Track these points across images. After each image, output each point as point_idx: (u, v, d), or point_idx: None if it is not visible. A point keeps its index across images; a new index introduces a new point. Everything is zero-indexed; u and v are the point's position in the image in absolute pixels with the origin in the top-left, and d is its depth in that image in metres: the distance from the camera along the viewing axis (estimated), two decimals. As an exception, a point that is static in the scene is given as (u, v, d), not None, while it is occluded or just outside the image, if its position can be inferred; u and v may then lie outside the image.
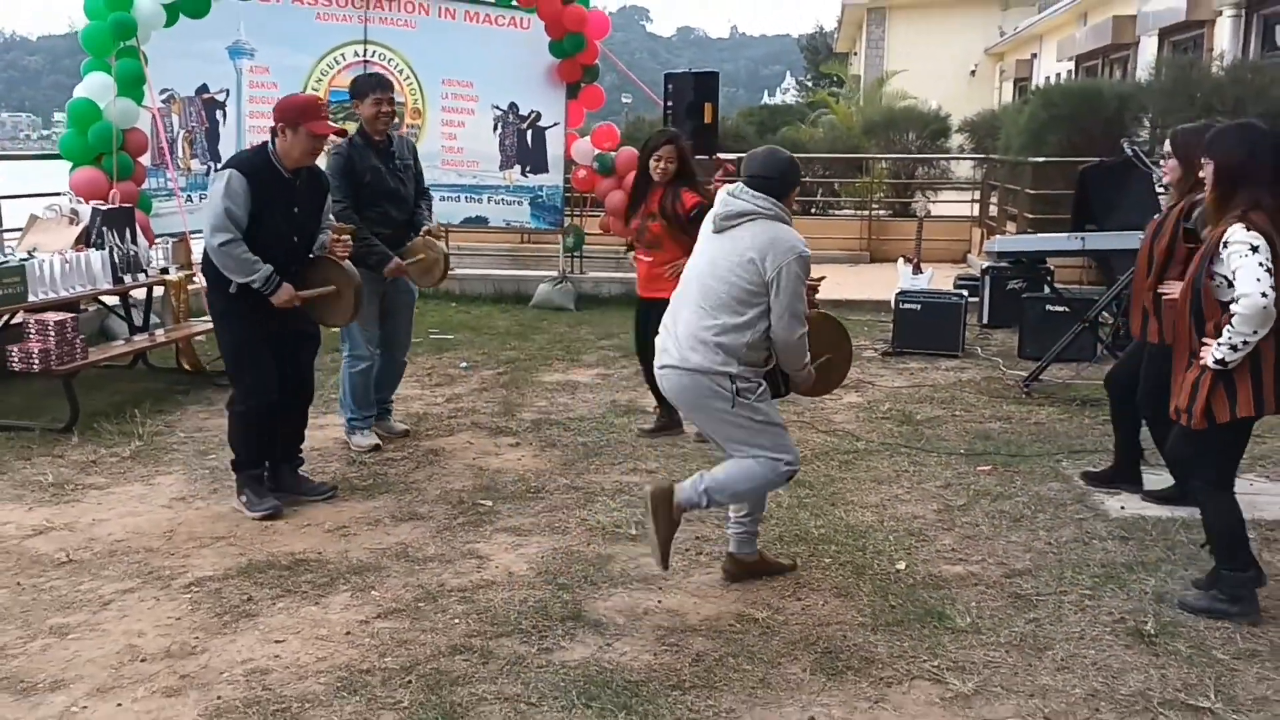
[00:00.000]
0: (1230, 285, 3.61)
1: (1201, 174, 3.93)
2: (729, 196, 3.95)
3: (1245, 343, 3.57)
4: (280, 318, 4.85)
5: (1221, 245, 3.64)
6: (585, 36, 10.11)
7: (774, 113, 22.32)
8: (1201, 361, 3.69)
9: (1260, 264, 3.53)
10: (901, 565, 4.32)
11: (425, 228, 5.87)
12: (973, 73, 28.55)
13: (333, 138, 5.23)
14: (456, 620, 3.84)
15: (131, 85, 8.08)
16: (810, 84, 40.97)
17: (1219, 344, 3.62)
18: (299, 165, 4.81)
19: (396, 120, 5.90)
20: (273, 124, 4.83)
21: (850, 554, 4.43)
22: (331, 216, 5.17)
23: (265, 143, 4.88)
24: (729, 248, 3.89)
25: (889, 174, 15.28)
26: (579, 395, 7.16)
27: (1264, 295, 3.51)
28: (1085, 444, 5.98)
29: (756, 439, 3.92)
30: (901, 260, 10.28)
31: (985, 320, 9.49)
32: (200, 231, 9.16)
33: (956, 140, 16.12)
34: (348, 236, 5.11)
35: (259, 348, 4.88)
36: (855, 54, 33.42)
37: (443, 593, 4.07)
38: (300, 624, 3.83)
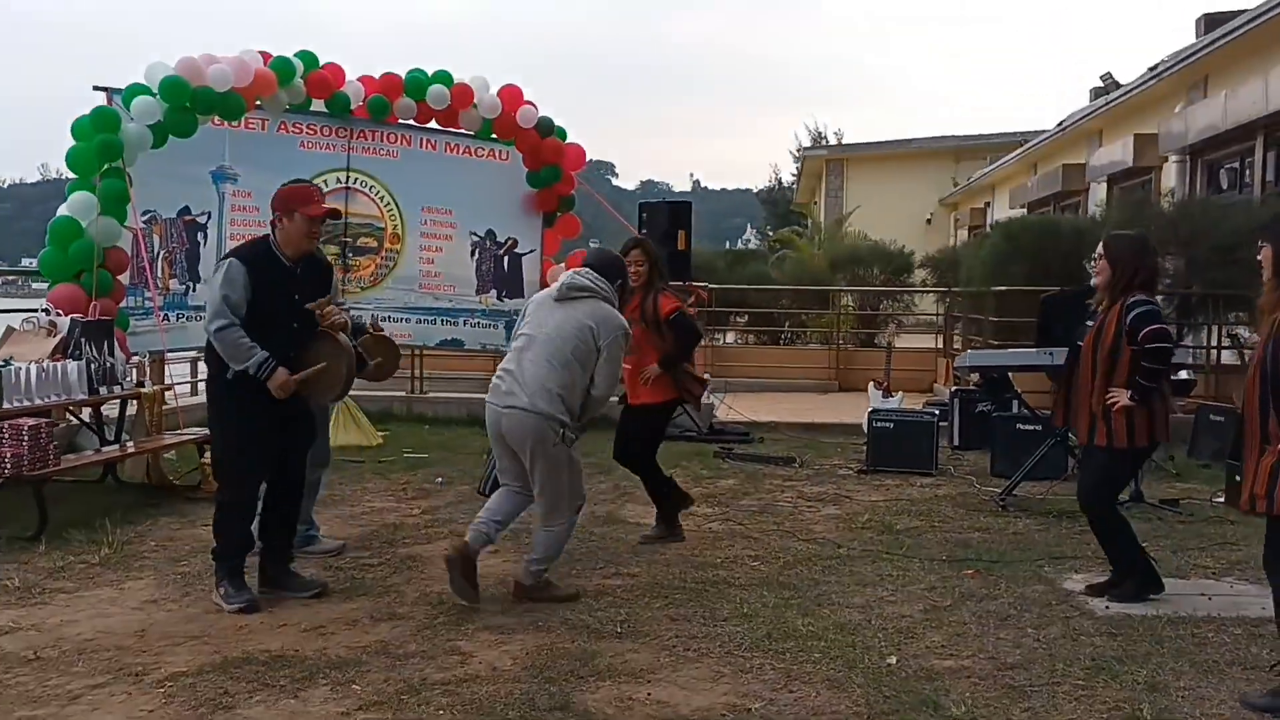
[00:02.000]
0: None
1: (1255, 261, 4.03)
2: (575, 275, 5.02)
3: None
4: (280, 408, 4.83)
5: None
6: (562, 168, 10.42)
7: (739, 255, 22.84)
8: None
9: None
10: (893, 660, 4.26)
11: (371, 323, 5.73)
12: (928, 221, 29.56)
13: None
14: (441, 711, 3.73)
15: (115, 205, 8.17)
16: (770, 231, 42.12)
17: None
18: (300, 251, 4.89)
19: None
20: (272, 216, 4.94)
21: (840, 650, 4.37)
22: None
23: (267, 234, 4.97)
24: (571, 315, 4.89)
25: (855, 307, 15.63)
26: (557, 508, 7.09)
27: None
28: (1065, 550, 6.00)
29: (561, 482, 4.92)
30: (872, 384, 10.45)
31: (956, 442, 9.59)
32: (176, 350, 9.27)
33: (919, 275, 16.58)
34: (333, 308, 5.10)
35: (254, 437, 4.86)
36: (815, 203, 34.52)
37: (425, 686, 3.96)
38: (279, 716, 3.70)
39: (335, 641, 4.44)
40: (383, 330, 5.81)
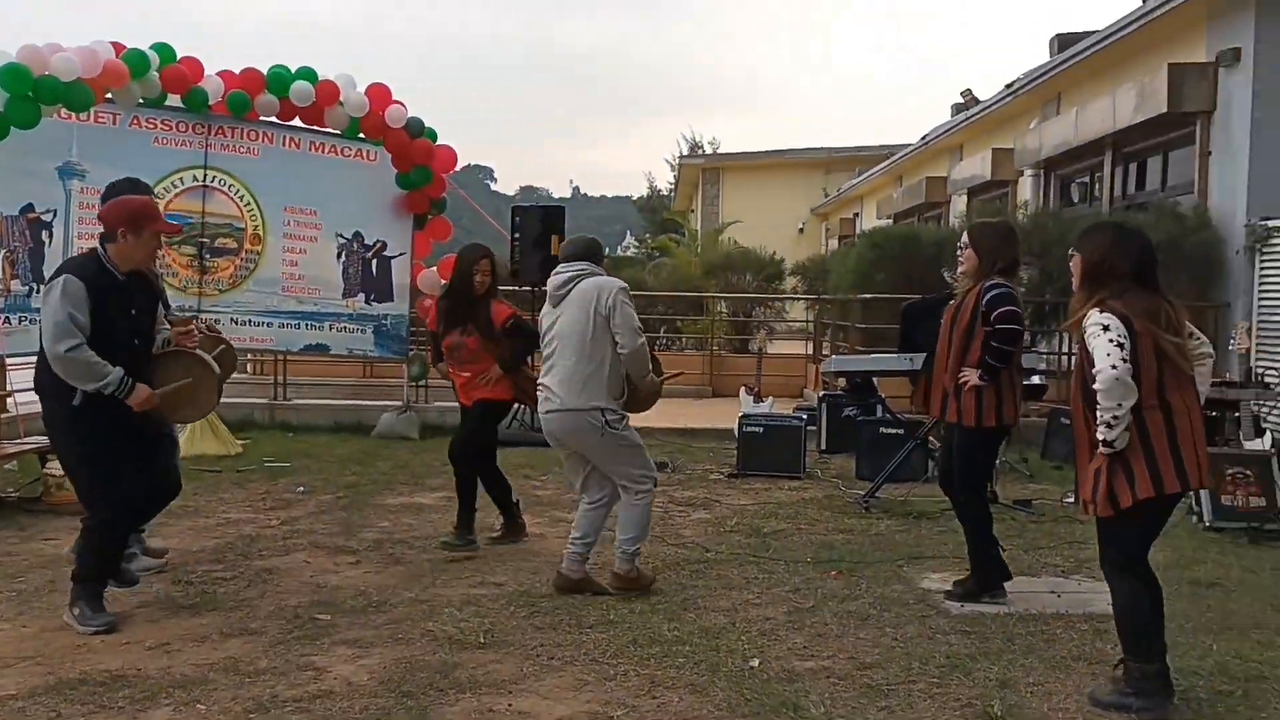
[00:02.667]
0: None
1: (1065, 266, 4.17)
2: (554, 277, 5.10)
3: (1115, 417, 3.66)
4: (133, 422, 4.60)
5: (1083, 332, 3.80)
6: (433, 170, 10.23)
7: (616, 261, 22.88)
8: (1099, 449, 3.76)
9: (1111, 340, 3.68)
10: (755, 662, 4.28)
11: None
12: (801, 230, 30.19)
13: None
14: (292, 730, 3.59)
15: (-51, 199, 7.70)
16: (649, 238, 42.38)
17: (1097, 426, 3.72)
18: (138, 268, 4.68)
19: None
20: (104, 230, 4.69)
21: (704, 654, 4.36)
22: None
23: (94, 249, 4.71)
24: (571, 306, 5.02)
25: (728, 314, 15.80)
26: (424, 516, 6.96)
27: (1114, 368, 3.63)
28: (924, 551, 6.15)
29: (626, 457, 5.10)
30: (744, 389, 10.57)
31: (823, 446, 9.75)
32: (18, 355, 8.75)
33: (790, 282, 16.87)
34: (193, 326, 4.94)
35: (115, 458, 4.60)
36: (692, 211, 34.89)
37: (275, 704, 3.80)
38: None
39: (181, 659, 4.23)
40: (217, 331, 5.63)
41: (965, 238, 5.24)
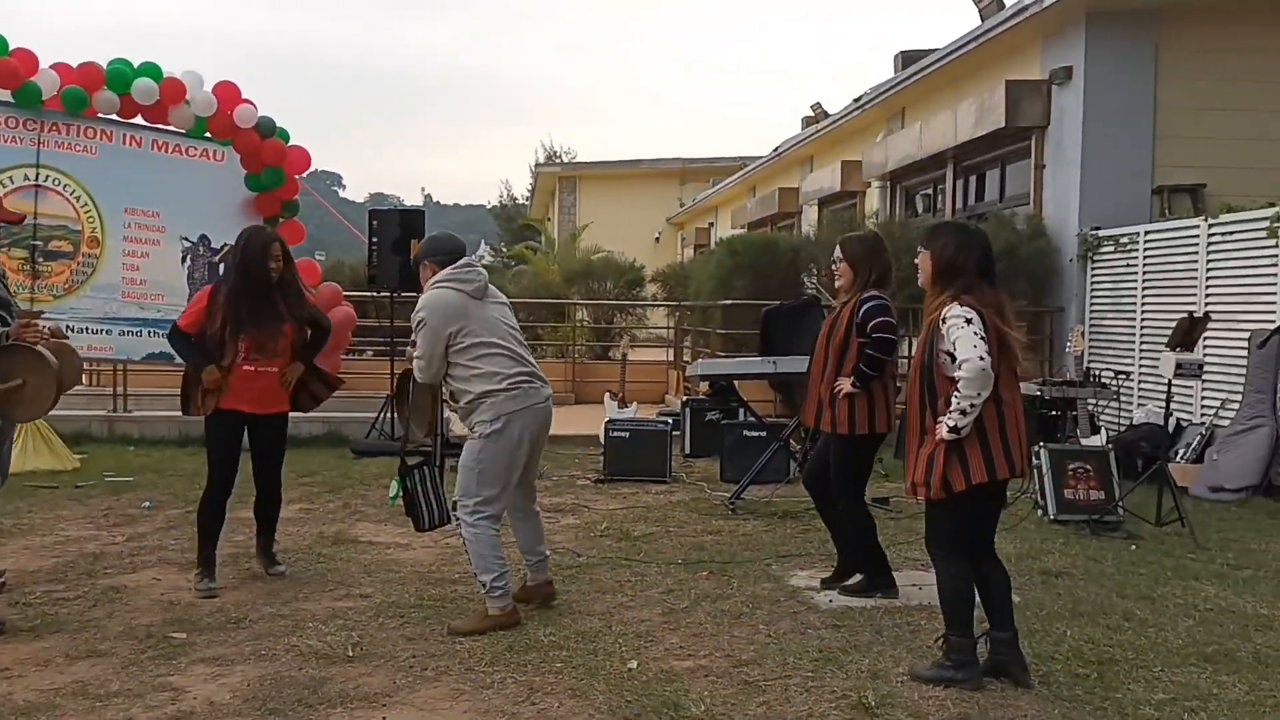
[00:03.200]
0: (954, 359, 3.91)
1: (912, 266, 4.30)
2: (473, 270, 4.93)
3: (973, 405, 3.86)
4: None
5: (941, 323, 3.96)
6: (284, 171, 9.89)
7: (494, 270, 22.61)
8: (938, 435, 3.93)
9: (975, 332, 3.88)
10: (634, 664, 4.26)
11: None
12: (657, 239, 30.49)
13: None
14: (149, 755, 3.38)
15: None
16: (505, 247, 42.07)
17: (950, 412, 3.89)
18: None
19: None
20: None
21: (582, 658, 4.33)
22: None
23: None
24: (502, 305, 5.02)
25: (590, 320, 15.81)
26: (281, 529, 6.60)
27: (982, 359, 3.83)
28: (790, 549, 6.26)
29: None
30: (608, 395, 10.57)
31: (688, 451, 9.85)
32: None
33: (650, 289, 16.99)
34: (39, 324, 4.65)
35: None
36: (549, 219, 34.83)
37: (132, 729, 3.58)
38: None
39: (23, 685, 3.95)
40: (62, 336, 5.21)
41: (838, 251, 5.31)
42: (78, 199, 9.21)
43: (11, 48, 8.55)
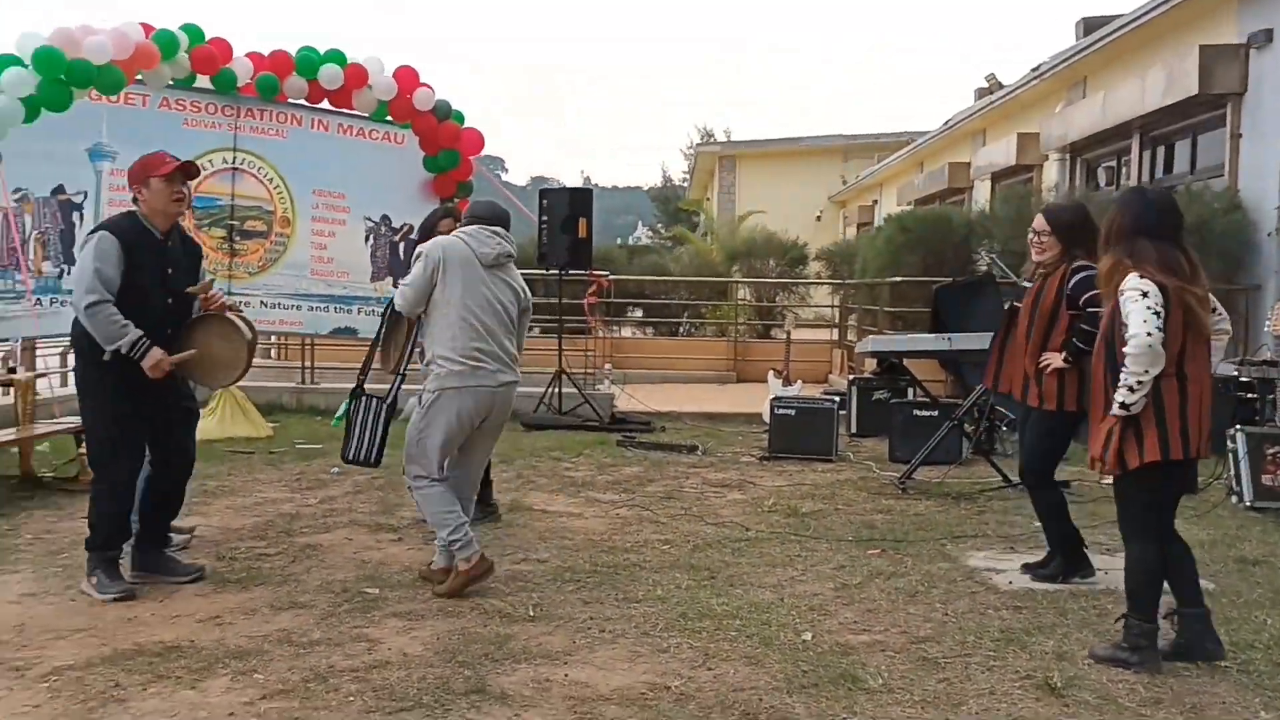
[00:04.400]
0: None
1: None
2: (495, 237, 4.83)
3: (1139, 382, 3.74)
4: (155, 389, 4.59)
5: (1120, 294, 3.83)
6: (460, 153, 10.19)
7: (637, 249, 22.84)
8: (1112, 410, 3.82)
9: (1148, 307, 3.73)
10: (808, 636, 4.26)
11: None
12: (818, 218, 30.07)
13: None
14: (351, 699, 3.58)
15: (-18, 180, 7.70)
16: (663, 228, 42.35)
17: (1119, 388, 3.79)
18: (168, 219, 4.71)
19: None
20: (132, 194, 4.72)
21: (755, 628, 4.35)
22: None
23: (132, 210, 4.72)
24: (506, 281, 4.86)
25: (751, 300, 15.77)
26: (459, 496, 6.94)
27: (1149, 335, 3.70)
28: (965, 530, 6.11)
29: None
30: (771, 373, 10.53)
31: (854, 430, 9.72)
32: (49, 337, 8.77)
33: (814, 268, 16.81)
34: (218, 293, 4.92)
35: (129, 424, 4.62)
36: (708, 199, 34.80)
37: (333, 673, 3.80)
38: (177, 708, 3.50)
39: (234, 631, 4.24)
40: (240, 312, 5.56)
41: (1041, 223, 5.06)
42: (270, 181, 9.72)
43: (209, 37, 9.06)
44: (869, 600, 4.76)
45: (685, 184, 43.74)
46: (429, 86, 9.97)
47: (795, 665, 3.93)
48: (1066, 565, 5.02)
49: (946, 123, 20.51)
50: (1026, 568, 5.17)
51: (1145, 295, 3.76)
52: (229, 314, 4.91)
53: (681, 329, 15.76)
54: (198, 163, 9.28)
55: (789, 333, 10.82)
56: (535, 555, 5.49)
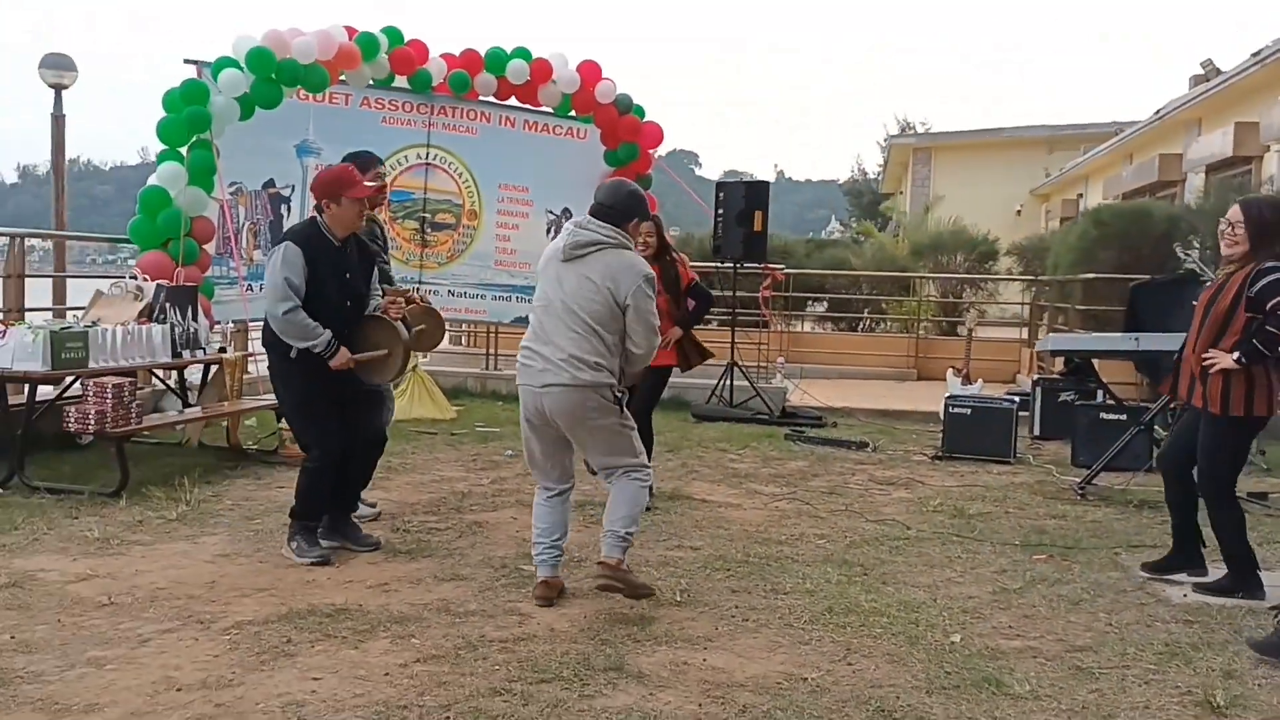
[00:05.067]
0: None
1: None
2: (577, 228, 4.43)
3: None
4: (339, 375, 4.95)
5: None
6: (639, 146, 10.39)
7: (820, 242, 22.57)
8: None
9: None
10: (957, 638, 4.17)
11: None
12: (1018, 212, 28.86)
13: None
14: (497, 667, 3.75)
15: (202, 175, 8.37)
16: (855, 223, 41.62)
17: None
18: (349, 232, 5.03)
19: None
20: (315, 200, 5.05)
21: (903, 626, 4.29)
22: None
23: (314, 217, 5.07)
24: (585, 276, 4.34)
25: (936, 295, 15.34)
26: (624, 483, 7.09)
27: None
28: (1144, 540, 5.80)
29: (626, 444, 4.49)
30: (951, 371, 10.26)
31: (1037, 432, 9.35)
32: (260, 319, 9.47)
33: (1005, 264, 16.19)
34: (402, 300, 5.27)
35: (323, 405, 5.01)
36: (901, 193, 33.97)
37: (483, 643, 3.98)
38: (339, 664, 3.75)
39: (398, 598, 4.49)
40: (428, 302, 5.98)
41: (1236, 213, 4.72)
42: (460, 175, 10.19)
43: (407, 38, 9.54)
44: (1027, 606, 4.60)
45: (879, 176, 42.79)
46: (611, 80, 10.20)
47: (939, 666, 3.85)
48: (1239, 581, 4.71)
49: (1158, 112, 19.31)
50: (1147, 567, 4.96)
51: None
52: (397, 323, 5.18)
53: (863, 324, 15.50)
54: (395, 157, 9.89)
55: (971, 330, 10.47)
56: (689, 543, 5.56)
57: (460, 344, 13.42)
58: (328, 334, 4.89)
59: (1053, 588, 4.87)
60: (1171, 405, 6.99)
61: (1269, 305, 4.49)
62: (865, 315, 15.57)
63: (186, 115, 8.32)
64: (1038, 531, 5.99)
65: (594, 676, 3.67)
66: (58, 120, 13.13)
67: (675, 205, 13.79)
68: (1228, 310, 4.62)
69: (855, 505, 6.54)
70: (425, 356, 10.20)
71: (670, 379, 6.67)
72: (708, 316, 7.51)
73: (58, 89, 13.18)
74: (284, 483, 6.63)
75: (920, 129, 42.82)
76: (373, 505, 5.93)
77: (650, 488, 4.77)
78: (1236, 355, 4.54)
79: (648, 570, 4.98)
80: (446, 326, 6.27)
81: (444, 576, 4.82)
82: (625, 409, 4.49)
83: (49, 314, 8.57)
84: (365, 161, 5.46)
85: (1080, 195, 26.19)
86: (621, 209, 4.45)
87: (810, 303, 15.79)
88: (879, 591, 4.75)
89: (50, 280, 10.81)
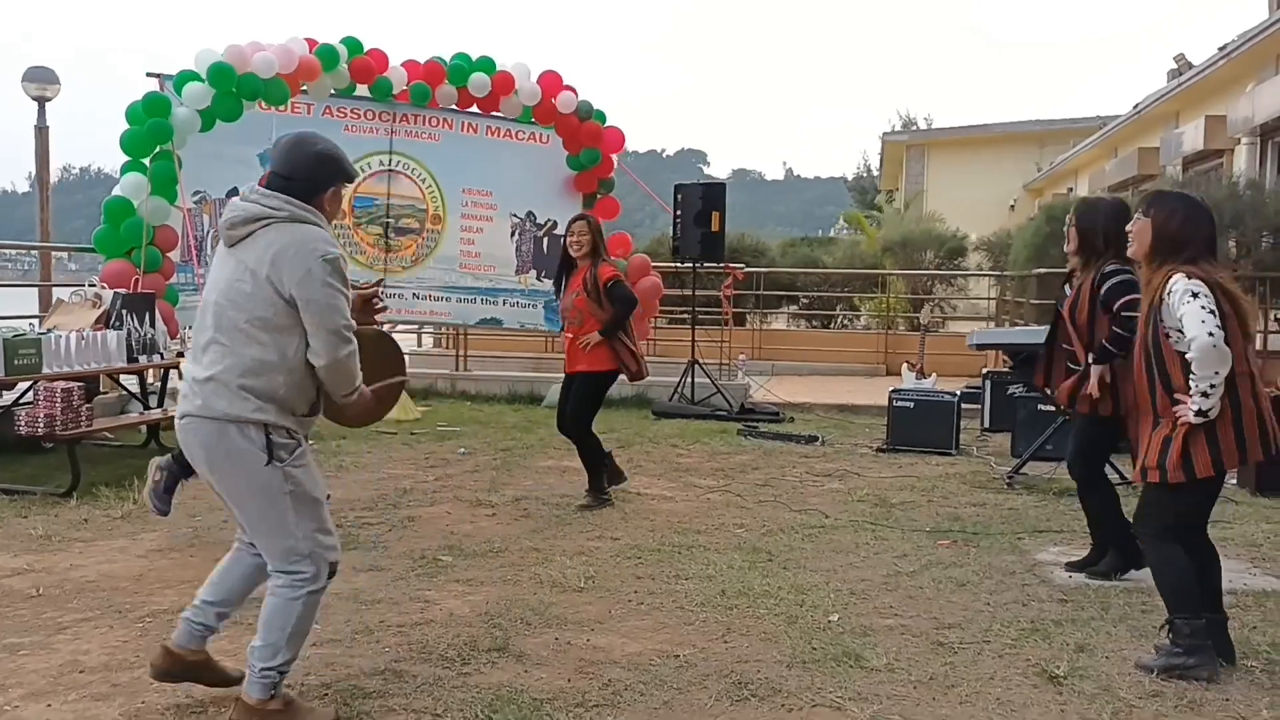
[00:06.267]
0: (1183, 335, 3.66)
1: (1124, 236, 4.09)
2: (237, 203, 3.23)
3: (1213, 385, 3.59)
4: None
5: (1166, 296, 3.71)
6: (601, 151, 10.63)
7: (792, 241, 22.64)
8: (1182, 418, 3.68)
9: (1203, 307, 3.60)
10: (835, 617, 4.37)
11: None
12: (1012, 207, 28.98)
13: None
14: (386, 650, 3.98)
15: (165, 185, 8.64)
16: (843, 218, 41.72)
17: (1192, 395, 3.64)
18: None
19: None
20: None
21: (786, 607, 4.50)
22: None
23: None
24: (241, 265, 3.14)
25: (907, 292, 15.53)
26: (566, 477, 7.32)
27: (1210, 335, 3.56)
28: (1051, 525, 6.02)
29: (283, 521, 3.19)
30: (906, 365, 10.45)
31: (987, 424, 9.54)
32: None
33: (975, 259, 16.35)
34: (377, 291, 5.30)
35: None
36: (897, 190, 34.07)
37: (381, 628, 4.21)
38: (239, 649, 3.95)
39: (312, 588, 4.71)
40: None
41: (1070, 217, 5.04)
42: (423, 181, 10.44)
43: (366, 48, 9.79)
44: (915, 588, 4.80)
45: (880, 172, 42.87)
46: (571, 89, 10.44)
47: (808, 643, 4.06)
48: (1123, 559, 4.91)
49: (1136, 106, 19.45)
50: (1072, 566, 5.08)
51: (1196, 295, 3.62)
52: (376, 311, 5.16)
53: (835, 321, 15.69)
54: (357, 165, 10.09)
55: (925, 324, 10.65)
56: (610, 534, 5.78)
57: (429, 345, 13.68)
58: None
59: (945, 570, 5.07)
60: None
61: (1115, 306, 4.71)
62: (837, 312, 15.77)
63: (148, 127, 8.61)
64: (953, 519, 6.19)
65: (476, 657, 3.90)
66: (41, 132, 13.40)
67: (637, 202, 14.02)
68: (1088, 319, 4.85)
69: (784, 496, 6.75)
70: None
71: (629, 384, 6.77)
72: (666, 314, 7.78)
73: (41, 101, 13.46)
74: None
75: (924, 124, 42.92)
76: None
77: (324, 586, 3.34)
78: (1091, 357, 4.79)
79: (562, 559, 5.21)
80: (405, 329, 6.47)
81: (362, 568, 5.05)
82: (299, 466, 3.21)
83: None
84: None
85: (1070, 190, 26.27)
86: (304, 179, 3.21)
87: (784, 301, 16.00)
88: (776, 576, 4.96)
89: (36, 290, 11.11)
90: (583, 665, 3.84)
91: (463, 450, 8.26)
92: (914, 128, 42.40)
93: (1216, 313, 3.60)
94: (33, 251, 12.82)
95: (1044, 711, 3.45)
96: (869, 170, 53.66)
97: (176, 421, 3.29)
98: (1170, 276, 3.72)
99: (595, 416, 6.60)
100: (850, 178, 60.88)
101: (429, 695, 3.54)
